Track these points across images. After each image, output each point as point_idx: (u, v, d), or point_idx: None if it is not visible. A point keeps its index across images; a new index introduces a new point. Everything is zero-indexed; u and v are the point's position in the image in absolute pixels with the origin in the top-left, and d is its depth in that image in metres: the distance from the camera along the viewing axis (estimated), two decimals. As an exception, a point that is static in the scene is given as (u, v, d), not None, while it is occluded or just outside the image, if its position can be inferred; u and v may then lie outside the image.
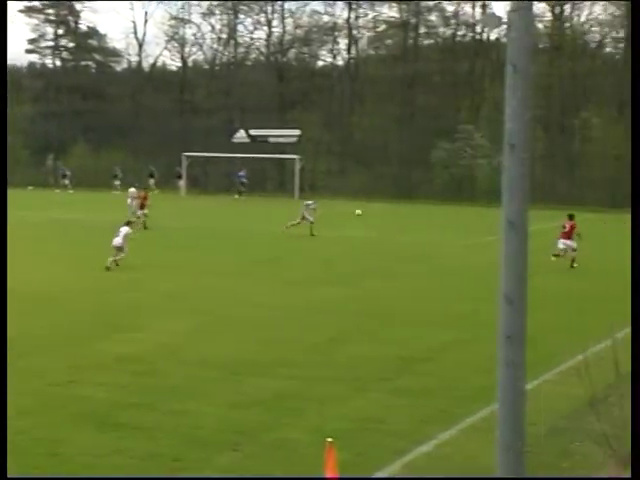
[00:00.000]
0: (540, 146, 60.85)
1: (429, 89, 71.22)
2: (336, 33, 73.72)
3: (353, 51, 74.20)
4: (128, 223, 26.38)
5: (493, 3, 67.36)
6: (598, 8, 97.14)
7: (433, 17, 72.65)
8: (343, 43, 74.34)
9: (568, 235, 27.51)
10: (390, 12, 73.19)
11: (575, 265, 26.97)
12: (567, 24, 66.87)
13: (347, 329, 17.13)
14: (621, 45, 65.03)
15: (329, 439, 7.68)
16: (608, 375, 10.03)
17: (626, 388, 10.98)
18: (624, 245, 33.06)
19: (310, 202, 36.04)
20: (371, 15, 73.02)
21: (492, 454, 6.76)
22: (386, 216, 46.80)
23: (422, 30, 72.71)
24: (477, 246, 31.72)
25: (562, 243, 27.55)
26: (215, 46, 77.15)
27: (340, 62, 75.55)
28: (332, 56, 74.98)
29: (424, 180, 64.61)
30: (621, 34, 64.93)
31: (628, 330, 16.71)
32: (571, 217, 28.25)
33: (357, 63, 74.40)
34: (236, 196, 60.70)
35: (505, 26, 6.14)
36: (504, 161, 6.23)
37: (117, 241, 24.96)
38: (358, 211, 42.54)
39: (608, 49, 68.98)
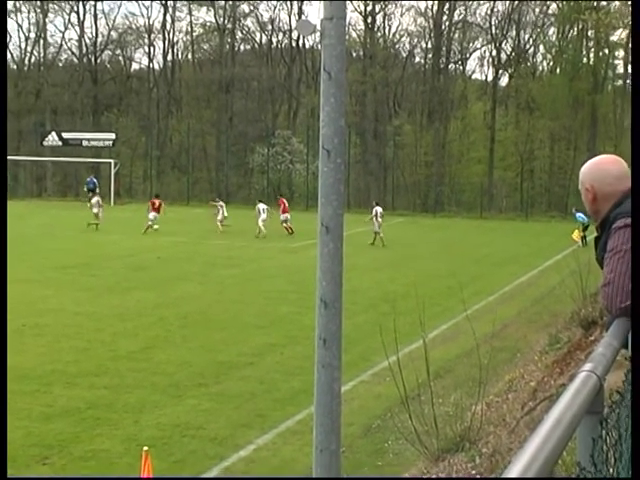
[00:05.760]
0: (355, 152, 62.36)
1: (246, 94, 71.49)
2: (152, 36, 72.73)
3: (169, 54, 73.45)
4: None
5: (308, 11, 68.40)
6: (407, 19, 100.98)
7: (249, 23, 73.09)
8: (159, 46, 73.44)
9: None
10: (206, 16, 72.98)
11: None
12: (379, 34, 68.76)
13: (161, 335, 16.81)
14: (430, 55, 67.56)
15: (145, 448, 7.54)
16: (420, 374, 10.37)
17: (436, 386, 11.40)
18: (434, 247, 34.32)
19: None
20: (187, 19, 72.57)
21: (308, 456, 6.82)
22: (203, 221, 46.42)
23: (238, 35, 72.92)
24: (295, 250, 32.01)
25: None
26: (23, 45, 74.34)
27: (156, 65, 74.62)
28: (148, 59, 73.93)
29: (242, 184, 64.76)
30: (429, 45, 67.50)
31: (439, 330, 17.41)
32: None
33: (174, 66, 73.62)
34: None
35: (319, 33, 6.19)
36: (320, 166, 6.29)
37: None
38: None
39: (417, 59, 71.49)
